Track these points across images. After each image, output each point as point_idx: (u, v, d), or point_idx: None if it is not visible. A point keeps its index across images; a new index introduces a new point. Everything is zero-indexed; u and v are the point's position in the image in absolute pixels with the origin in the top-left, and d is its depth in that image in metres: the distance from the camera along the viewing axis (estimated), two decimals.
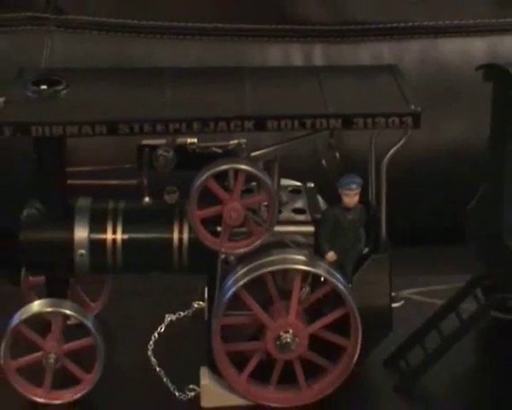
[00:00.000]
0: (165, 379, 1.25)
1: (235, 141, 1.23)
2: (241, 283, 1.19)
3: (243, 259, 1.21)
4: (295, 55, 1.63)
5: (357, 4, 1.64)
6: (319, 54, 1.64)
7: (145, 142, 1.22)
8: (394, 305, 1.27)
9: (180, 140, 1.22)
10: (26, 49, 1.63)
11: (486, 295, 1.28)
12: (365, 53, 1.63)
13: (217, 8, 1.64)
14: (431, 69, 1.62)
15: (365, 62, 1.62)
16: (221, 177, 1.19)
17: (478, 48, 1.64)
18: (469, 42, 1.65)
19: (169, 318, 1.33)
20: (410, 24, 1.64)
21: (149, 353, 1.28)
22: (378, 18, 1.64)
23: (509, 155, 1.27)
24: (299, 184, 1.30)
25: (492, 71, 1.27)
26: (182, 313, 1.32)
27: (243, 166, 1.18)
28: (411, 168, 1.39)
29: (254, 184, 1.24)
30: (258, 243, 1.20)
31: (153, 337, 1.30)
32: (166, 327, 1.31)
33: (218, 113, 1.17)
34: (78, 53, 1.64)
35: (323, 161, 1.23)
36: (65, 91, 1.20)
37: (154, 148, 1.22)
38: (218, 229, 1.20)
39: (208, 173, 1.18)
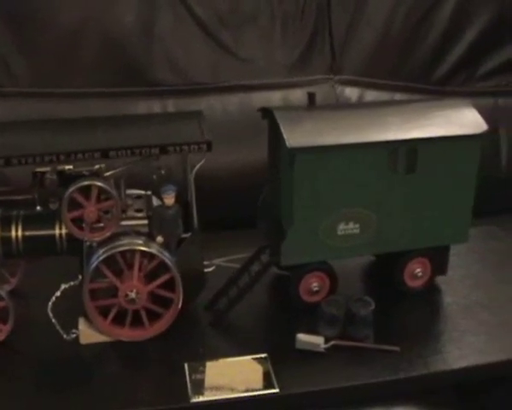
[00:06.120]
0: (57, 327, 1.24)
1: (98, 166, 1.23)
2: (100, 259, 1.20)
3: (102, 243, 1.21)
4: (156, 107, 1.64)
5: (195, 71, 1.64)
6: (171, 106, 1.64)
7: (37, 169, 1.22)
8: (208, 270, 1.28)
9: (60, 167, 1.22)
10: None
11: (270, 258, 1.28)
12: (202, 104, 1.64)
13: (103, 77, 1.64)
14: (245, 113, 1.63)
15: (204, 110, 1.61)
16: (86, 190, 1.19)
17: (276, 98, 1.66)
18: (271, 94, 1.67)
19: (63, 286, 1.29)
20: (231, 83, 1.66)
21: (48, 310, 1.26)
22: (210, 80, 1.66)
23: (281, 169, 1.29)
24: (141, 192, 1.30)
25: (266, 112, 1.29)
26: (72, 283, 1.29)
27: (96, 183, 1.19)
28: (226, 176, 1.40)
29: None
30: (109, 233, 1.21)
31: (51, 300, 1.27)
32: (61, 292, 1.28)
33: (76, 148, 1.16)
34: (11, 114, 1.61)
35: (154, 176, 1.24)
36: None
37: (43, 173, 1.21)
38: (83, 225, 1.21)
39: (72, 188, 1.18)
